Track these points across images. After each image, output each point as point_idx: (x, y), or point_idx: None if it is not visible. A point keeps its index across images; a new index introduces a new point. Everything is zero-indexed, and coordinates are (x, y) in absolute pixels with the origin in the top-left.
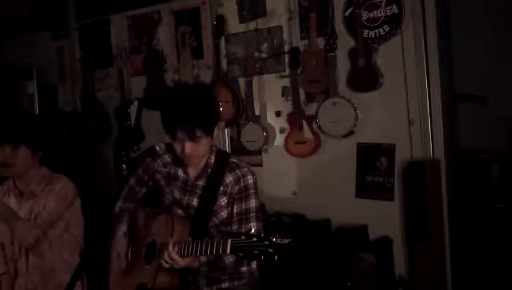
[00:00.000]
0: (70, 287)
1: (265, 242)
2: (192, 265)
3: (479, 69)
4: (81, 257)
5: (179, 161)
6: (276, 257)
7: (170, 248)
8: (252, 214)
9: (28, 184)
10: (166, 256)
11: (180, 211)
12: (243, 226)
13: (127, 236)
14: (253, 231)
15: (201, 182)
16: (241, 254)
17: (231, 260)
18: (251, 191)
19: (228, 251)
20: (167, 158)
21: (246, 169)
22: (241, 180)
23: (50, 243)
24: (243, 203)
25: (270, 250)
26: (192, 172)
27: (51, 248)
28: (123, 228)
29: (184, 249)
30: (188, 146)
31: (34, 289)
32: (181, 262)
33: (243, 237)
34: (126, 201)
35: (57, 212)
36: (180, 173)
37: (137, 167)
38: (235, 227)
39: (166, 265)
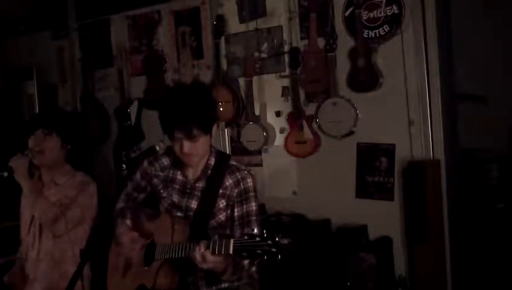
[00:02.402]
0: (70, 287)
1: (269, 241)
2: (217, 268)
3: (479, 69)
4: (81, 257)
5: (178, 164)
6: (279, 257)
7: (202, 247)
8: (253, 217)
9: (52, 176)
10: (198, 254)
11: (179, 214)
12: (245, 230)
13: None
14: (255, 231)
15: (200, 184)
16: (244, 254)
17: (247, 262)
18: (251, 194)
19: (231, 251)
20: (165, 162)
21: (246, 172)
22: (241, 183)
23: (67, 223)
24: (244, 207)
25: (273, 250)
26: (191, 174)
27: (67, 231)
28: (127, 222)
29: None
30: (186, 145)
31: (37, 278)
32: (210, 258)
33: (245, 237)
34: (126, 203)
35: (72, 197)
36: (179, 175)
37: (134, 173)
38: (238, 231)
39: (199, 262)
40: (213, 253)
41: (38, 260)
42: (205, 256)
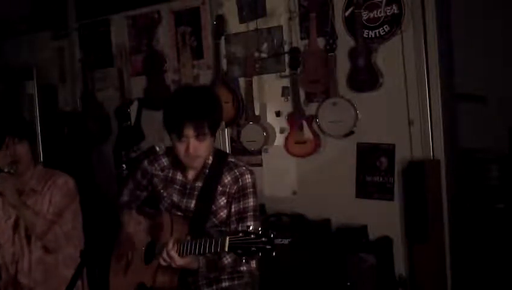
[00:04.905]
0: (70, 288)
1: (263, 239)
2: (190, 266)
3: (479, 69)
4: (81, 257)
5: (177, 165)
6: (273, 253)
7: (170, 245)
8: (250, 213)
9: (26, 182)
10: (164, 254)
11: (179, 214)
12: (240, 226)
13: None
14: (251, 228)
15: (199, 184)
16: (239, 251)
17: (230, 260)
18: (249, 190)
19: (226, 248)
20: (164, 162)
21: (244, 168)
22: (239, 180)
23: (67, 236)
24: (241, 203)
25: (267, 247)
26: (191, 174)
27: (68, 241)
28: (134, 212)
29: (183, 247)
30: (193, 145)
31: (35, 287)
32: (178, 261)
33: (240, 234)
34: (130, 199)
35: (64, 206)
36: (179, 176)
37: (135, 172)
38: (233, 226)
39: (163, 263)
40: (209, 251)
41: (31, 270)
42: (172, 256)
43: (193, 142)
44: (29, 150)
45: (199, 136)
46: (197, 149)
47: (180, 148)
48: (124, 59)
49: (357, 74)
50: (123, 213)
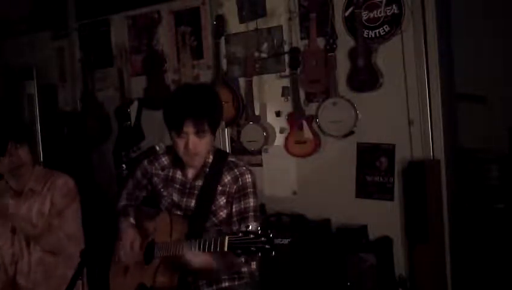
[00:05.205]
0: (70, 288)
1: (262, 238)
2: (206, 265)
3: (479, 69)
4: (81, 257)
5: (178, 163)
6: (273, 253)
7: (185, 250)
8: (251, 213)
9: (25, 183)
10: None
11: (179, 213)
12: (242, 226)
13: (136, 228)
14: (250, 228)
15: (199, 183)
16: (238, 251)
17: (242, 259)
18: (249, 190)
19: (225, 248)
20: (164, 161)
21: (244, 168)
22: (239, 179)
23: (68, 237)
24: (242, 203)
25: (266, 246)
26: (191, 173)
27: (69, 242)
28: (131, 219)
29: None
30: (192, 141)
31: (34, 288)
32: (195, 263)
33: (240, 234)
34: (127, 203)
35: (65, 206)
36: (178, 175)
37: (135, 171)
38: (235, 227)
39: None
40: (208, 251)
41: (30, 271)
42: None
43: (192, 138)
44: (29, 152)
45: (199, 133)
46: (197, 146)
47: (180, 144)
48: (124, 59)
49: (357, 74)
50: (119, 221)
